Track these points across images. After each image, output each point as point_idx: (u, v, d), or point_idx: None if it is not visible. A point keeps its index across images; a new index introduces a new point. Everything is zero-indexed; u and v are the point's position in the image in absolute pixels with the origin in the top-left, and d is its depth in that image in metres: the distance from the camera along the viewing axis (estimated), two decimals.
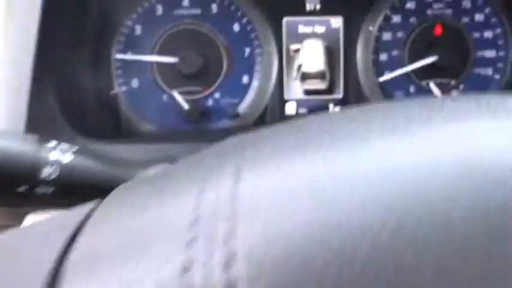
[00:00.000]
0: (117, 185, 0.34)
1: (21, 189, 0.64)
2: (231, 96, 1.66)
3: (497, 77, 1.73)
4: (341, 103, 1.78)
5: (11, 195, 0.64)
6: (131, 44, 1.57)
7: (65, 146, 0.70)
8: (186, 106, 1.55)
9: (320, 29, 1.74)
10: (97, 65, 1.54)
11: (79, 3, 1.47)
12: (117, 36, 1.56)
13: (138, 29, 1.57)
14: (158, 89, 1.59)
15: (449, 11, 1.72)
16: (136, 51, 1.57)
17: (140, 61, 1.57)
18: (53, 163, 0.65)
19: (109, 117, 1.54)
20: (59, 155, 0.66)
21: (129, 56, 1.56)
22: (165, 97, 1.60)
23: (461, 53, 1.69)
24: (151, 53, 1.58)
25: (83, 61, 1.51)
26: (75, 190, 0.70)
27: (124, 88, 1.57)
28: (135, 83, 1.59)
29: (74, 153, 0.70)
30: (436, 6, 1.73)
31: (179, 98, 1.55)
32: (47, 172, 0.64)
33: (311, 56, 1.72)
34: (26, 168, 0.62)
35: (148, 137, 1.55)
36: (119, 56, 1.55)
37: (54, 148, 0.67)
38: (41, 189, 0.64)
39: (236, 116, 1.49)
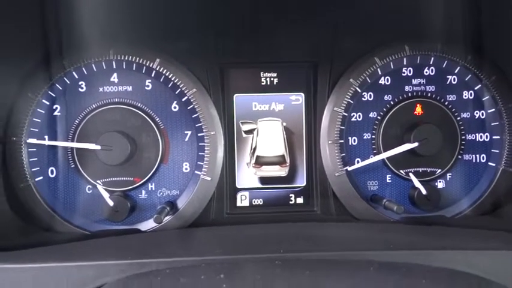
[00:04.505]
0: None
1: None
2: (169, 187, 1.41)
3: (492, 164, 1.44)
4: (303, 193, 1.49)
5: None
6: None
7: None
8: (111, 203, 1.28)
9: (278, 107, 1.50)
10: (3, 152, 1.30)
11: None
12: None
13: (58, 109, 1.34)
14: (80, 180, 1.34)
15: (431, 88, 1.43)
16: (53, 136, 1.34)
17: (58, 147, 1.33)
18: None
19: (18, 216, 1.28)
20: None
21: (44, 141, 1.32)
22: (87, 189, 1.35)
23: (446, 137, 1.40)
24: (71, 138, 1.34)
25: None
26: None
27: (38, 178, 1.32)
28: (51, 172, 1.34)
29: None
30: (415, 81, 1.44)
31: (104, 192, 1.29)
32: None
33: (267, 138, 1.49)
34: None
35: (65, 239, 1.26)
36: (31, 140, 1.31)
37: None
38: None
39: (159, 222, 1.21)
